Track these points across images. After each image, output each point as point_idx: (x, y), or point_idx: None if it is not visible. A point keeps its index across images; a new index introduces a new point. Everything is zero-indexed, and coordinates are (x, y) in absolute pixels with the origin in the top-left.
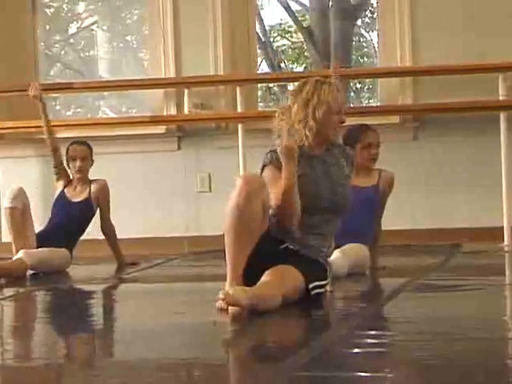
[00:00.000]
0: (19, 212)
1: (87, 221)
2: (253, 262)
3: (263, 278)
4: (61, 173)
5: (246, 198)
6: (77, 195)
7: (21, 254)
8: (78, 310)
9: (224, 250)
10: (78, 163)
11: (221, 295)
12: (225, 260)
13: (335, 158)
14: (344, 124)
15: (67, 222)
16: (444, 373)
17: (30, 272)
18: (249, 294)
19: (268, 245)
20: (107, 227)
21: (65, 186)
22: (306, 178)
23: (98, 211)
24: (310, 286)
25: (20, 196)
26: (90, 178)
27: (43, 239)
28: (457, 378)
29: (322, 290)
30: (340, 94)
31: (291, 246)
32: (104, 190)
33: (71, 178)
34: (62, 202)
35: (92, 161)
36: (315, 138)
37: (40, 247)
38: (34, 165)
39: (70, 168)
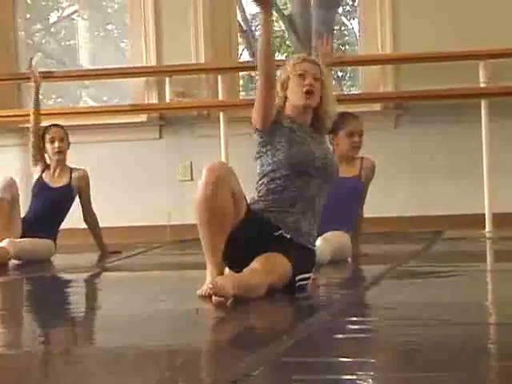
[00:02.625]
0: (7, 203)
1: (68, 206)
2: (243, 246)
3: (252, 265)
4: (38, 156)
5: (213, 189)
6: (56, 181)
7: (4, 243)
8: (61, 298)
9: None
10: (57, 144)
11: (208, 284)
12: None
13: (321, 137)
14: (312, 89)
15: (48, 208)
16: (426, 357)
17: (13, 261)
18: (235, 283)
19: (261, 230)
20: (89, 216)
21: (42, 172)
22: (301, 143)
23: (77, 200)
24: (297, 278)
25: (10, 187)
26: (71, 166)
27: (26, 227)
28: (438, 363)
29: (306, 282)
30: (301, 60)
31: (286, 235)
32: (86, 179)
33: (48, 163)
34: (41, 187)
35: (69, 144)
36: (291, 106)
37: (22, 235)
38: (16, 154)
39: (47, 152)
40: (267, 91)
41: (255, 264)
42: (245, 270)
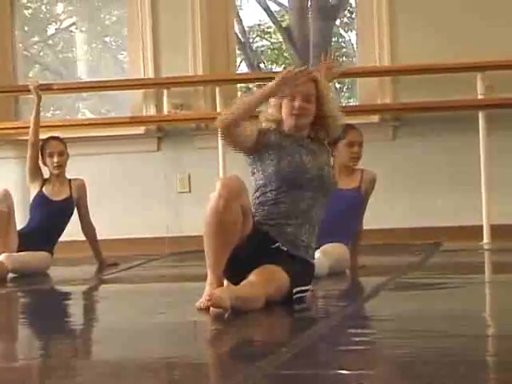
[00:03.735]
0: (4, 215)
1: (68, 219)
2: (241, 258)
3: (249, 278)
4: (35, 174)
5: (225, 203)
6: (57, 194)
7: (1, 257)
8: (59, 310)
9: (202, 251)
10: (55, 159)
11: (206, 297)
12: (204, 260)
13: (318, 148)
14: (300, 111)
15: (48, 222)
16: (424, 369)
17: (10, 275)
18: (232, 295)
19: (259, 242)
20: (88, 228)
21: (42, 186)
22: (291, 156)
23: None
24: (294, 290)
25: (5, 199)
26: (69, 178)
27: (24, 240)
28: (437, 375)
29: (304, 294)
30: (295, 82)
31: (283, 247)
32: (84, 189)
33: (45, 177)
34: (41, 201)
35: (68, 155)
36: (282, 123)
37: (20, 248)
38: (13, 166)
39: (46, 165)
40: (229, 143)
41: (253, 277)
42: (242, 283)
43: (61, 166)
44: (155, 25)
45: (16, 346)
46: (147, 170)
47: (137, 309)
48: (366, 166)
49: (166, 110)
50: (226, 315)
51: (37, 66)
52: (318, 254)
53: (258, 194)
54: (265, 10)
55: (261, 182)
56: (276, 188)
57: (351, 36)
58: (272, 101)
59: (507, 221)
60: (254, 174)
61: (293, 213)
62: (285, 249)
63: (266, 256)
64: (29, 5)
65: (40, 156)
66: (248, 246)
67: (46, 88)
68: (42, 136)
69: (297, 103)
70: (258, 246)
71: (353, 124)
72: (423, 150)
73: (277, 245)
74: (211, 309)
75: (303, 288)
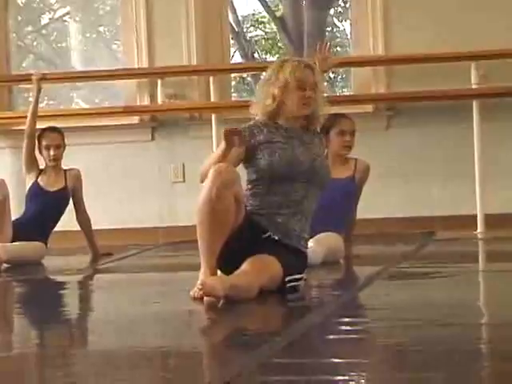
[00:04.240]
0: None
1: (63, 210)
2: (234, 249)
3: (242, 267)
4: (31, 165)
5: (218, 192)
6: (52, 184)
7: None
8: (53, 300)
9: (197, 240)
10: (52, 152)
11: (198, 285)
12: (198, 250)
13: (311, 138)
14: (309, 100)
15: (44, 212)
16: (418, 358)
17: (4, 265)
18: (225, 284)
19: (251, 232)
20: (83, 218)
21: (37, 176)
22: (283, 149)
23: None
24: (287, 279)
25: (0, 189)
26: (64, 168)
27: (19, 230)
28: (431, 363)
29: (297, 283)
30: (301, 70)
31: (274, 236)
32: (79, 180)
33: (41, 167)
34: (37, 192)
35: (64, 146)
36: (282, 113)
37: (15, 239)
38: (7, 157)
39: (42, 156)
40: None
41: (245, 266)
42: (236, 272)
43: (57, 159)
44: (149, 14)
45: (11, 335)
46: (141, 159)
47: (131, 298)
48: (360, 156)
49: (160, 99)
50: (220, 304)
51: (31, 55)
52: (311, 243)
53: (250, 186)
54: None
55: (253, 175)
56: (268, 181)
57: (345, 26)
58: (279, 82)
59: (501, 210)
60: (246, 168)
61: (284, 203)
62: (276, 238)
63: (257, 245)
64: None
65: (37, 145)
66: (240, 236)
67: (41, 78)
68: (38, 126)
69: (307, 92)
70: (249, 235)
71: (344, 113)
72: (417, 140)
73: (268, 234)
74: (205, 298)
75: (296, 276)
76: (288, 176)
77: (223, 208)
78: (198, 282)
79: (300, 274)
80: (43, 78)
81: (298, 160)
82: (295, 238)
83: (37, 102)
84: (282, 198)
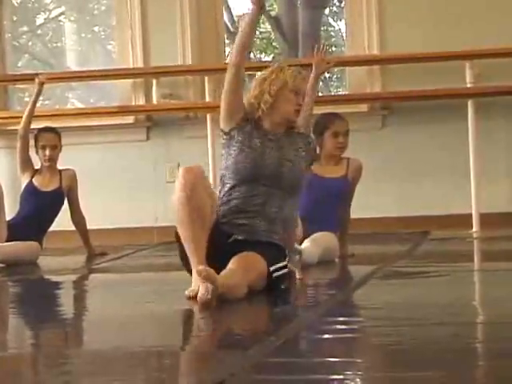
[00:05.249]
0: None
1: (58, 210)
2: (211, 253)
3: (229, 266)
4: (25, 165)
5: (192, 187)
6: (47, 185)
7: None
8: (48, 300)
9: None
10: (47, 152)
11: (195, 273)
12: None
13: (294, 142)
14: (300, 108)
15: (38, 212)
16: (413, 357)
17: None
18: (218, 281)
19: (218, 239)
20: (79, 218)
21: (32, 176)
22: (253, 149)
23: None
24: (271, 269)
25: None
26: (59, 168)
27: (14, 230)
28: (425, 362)
29: (281, 272)
30: (301, 78)
31: (239, 237)
32: (74, 180)
33: (36, 168)
34: (31, 192)
35: (60, 147)
36: (272, 114)
37: (10, 239)
38: (2, 156)
39: (38, 156)
40: (236, 84)
41: (232, 265)
42: (223, 271)
43: (52, 160)
44: (144, 14)
45: (6, 335)
46: (136, 159)
47: (126, 298)
48: (354, 155)
49: (155, 99)
50: (213, 302)
51: (26, 55)
52: (307, 242)
53: (220, 186)
54: None
55: (222, 171)
56: (230, 185)
57: (340, 25)
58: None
59: (496, 209)
60: (223, 159)
61: (244, 209)
62: (241, 238)
63: (227, 251)
64: None
65: (34, 145)
66: (212, 242)
67: (35, 77)
68: (33, 126)
69: (300, 99)
70: (217, 241)
71: (338, 113)
72: (412, 139)
73: (233, 237)
74: (199, 297)
75: (279, 265)
76: (250, 177)
77: (200, 204)
78: (194, 277)
79: (280, 261)
80: (46, 83)
81: (264, 162)
82: (264, 234)
83: (34, 104)
84: (241, 202)
